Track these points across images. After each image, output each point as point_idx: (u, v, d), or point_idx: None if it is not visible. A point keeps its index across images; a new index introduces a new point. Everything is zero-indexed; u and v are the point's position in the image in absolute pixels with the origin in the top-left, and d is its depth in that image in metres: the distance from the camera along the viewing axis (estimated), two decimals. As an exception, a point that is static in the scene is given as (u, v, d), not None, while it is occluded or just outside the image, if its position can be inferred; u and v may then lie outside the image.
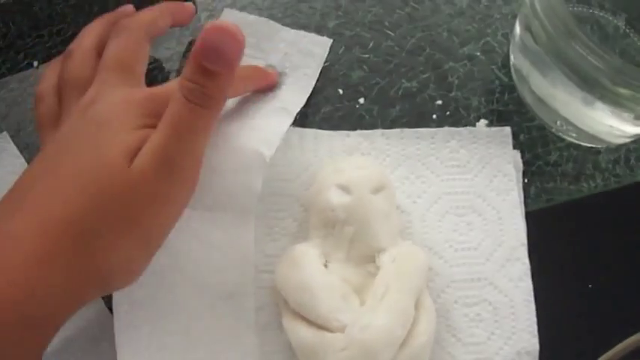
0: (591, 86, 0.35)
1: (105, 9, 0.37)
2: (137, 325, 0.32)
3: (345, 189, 0.34)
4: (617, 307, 0.38)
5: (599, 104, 0.36)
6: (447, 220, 0.37)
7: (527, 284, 0.36)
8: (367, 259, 0.34)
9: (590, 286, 0.38)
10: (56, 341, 0.36)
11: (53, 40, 0.42)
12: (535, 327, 0.36)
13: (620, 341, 0.37)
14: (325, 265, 0.34)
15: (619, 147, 0.41)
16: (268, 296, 0.35)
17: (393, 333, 0.31)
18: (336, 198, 0.34)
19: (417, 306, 0.33)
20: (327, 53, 0.40)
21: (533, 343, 0.36)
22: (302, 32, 0.41)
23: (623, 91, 0.34)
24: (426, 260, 0.34)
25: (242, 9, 0.42)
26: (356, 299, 0.33)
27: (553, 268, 0.38)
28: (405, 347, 0.32)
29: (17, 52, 0.42)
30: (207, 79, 0.27)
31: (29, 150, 0.39)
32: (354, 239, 0.34)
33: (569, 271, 0.38)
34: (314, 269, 0.33)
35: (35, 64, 0.42)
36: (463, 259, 0.36)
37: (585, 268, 0.38)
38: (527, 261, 0.37)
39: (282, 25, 0.41)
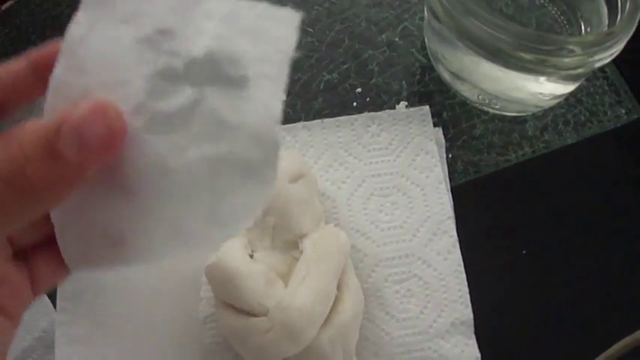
0: (496, 56, 0.36)
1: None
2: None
3: (263, 181, 0.35)
4: (551, 270, 0.38)
5: (509, 72, 0.36)
6: (372, 202, 0.38)
7: (456, 256, 0.37)
8: (292, 245, 0.35)
9: (524, 252, 0.38)
10: (16, 353, 0.39)
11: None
12: (467, 297, 0.37)
13: (557, 304, 0.38)
14: (251, 255, 0.35)
15: (545, 113, 0.41)
16: (207, 290, 0.37)
17: (313, 311, 0.32)
18: (255, 190, 0.35)
19: (341, 285, 0.34)
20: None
21: (466, 312, 0.36)
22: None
23: (527, 56, 0.35)
24: (346, 240, 0.35)
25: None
26: (281, 284, 0.34)
27: (486, 238, 0.38)
28: (329, 324, 0.33)
29: None
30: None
31: None
32: (276, 228, 0.35)
33: (503, 239, 0.38)
34: (237, 259, 0.34)
35: None
36: (390, 237, 0.37)
37: (519, 235, 0.38)
38: (454, 233, 0.37)
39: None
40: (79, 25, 0.19)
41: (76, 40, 0.19)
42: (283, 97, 0.19)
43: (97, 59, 0.18)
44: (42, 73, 0.20)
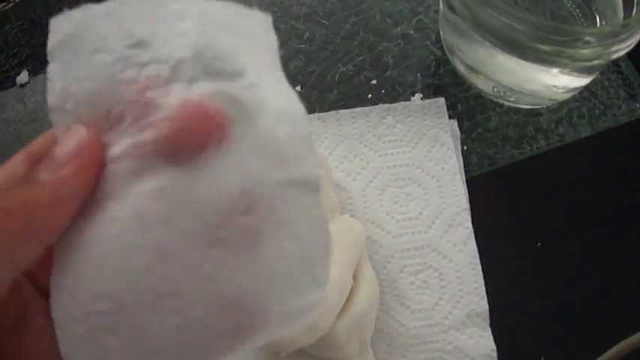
0: (512, 47, 0.36)
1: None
2: None
3: (279, 171, 0.35)
4: (567, 263, 0.38)
5: (525, 63, 0.36)
6: (387, 194, 0.38)
7: (472, 247, 0.37)
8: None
9: (539, 244, 0.38)
10: None
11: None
12: (483, 288, 0.37)
13: (572, 296, 0.38)
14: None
15: (560, 106, 0.41)
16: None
17: (329, 301, 0.32)
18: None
19: (357, 276, 0.34)
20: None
21: (482, 304, 0.36)
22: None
23: (543, 47, 0.35)
24: (361, 231, 0.35)
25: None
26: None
27: (501, 230, 0.38)
28: (345, 315, 0.33)
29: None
30: None
31: None
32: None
33: (518, 232, 0.38)
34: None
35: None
36: (405, 229, 0.37)
37: (533, 227, 0.38)
38: (469, 225, 0.37)
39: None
40: (53, 80, 0.18)
41: (58, 98, 0.17)
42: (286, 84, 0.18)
43: (81, 101, 0.17)
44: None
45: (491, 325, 0.36)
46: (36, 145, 0.20)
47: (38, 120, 0.44)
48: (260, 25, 0.19)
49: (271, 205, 0.17)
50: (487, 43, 0.36)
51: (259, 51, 0.18)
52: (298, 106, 0.18)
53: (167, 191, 0.16)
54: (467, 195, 0.38)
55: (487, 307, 0.36)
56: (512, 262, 0.38)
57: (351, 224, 0.35)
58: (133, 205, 0.16)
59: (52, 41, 0.18)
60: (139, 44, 0.17)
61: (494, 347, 0.36)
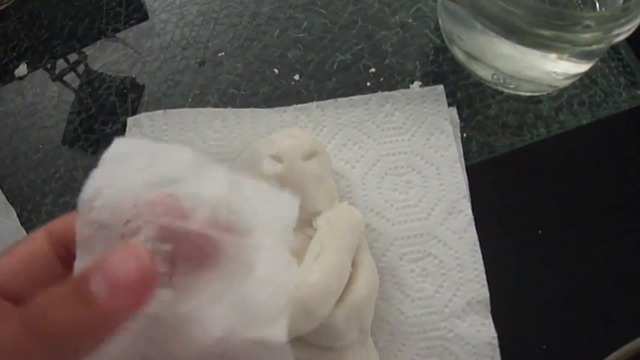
0: (511, 33, 0.35)
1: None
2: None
3: (276, 158, 0.35)
4: (568, 251, 0.37)
5: (524, 49, 0.36)
6: (386, 181, 0.38)
7: (472, 235, 0.37)
8: (305, 223, 0.35)
9: (540, 231, 0.38)
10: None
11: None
12: (484, 276, 0.36)
13: (573, 284, 0.37)
14: (265, 234, 0.35)
15: (560, 94, 0.41)
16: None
17: (327, 288, 0.32)
18: (269, 167, 0.35)
19: (356, 263, 0.34)
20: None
21: (482, 292, 0.36)
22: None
23: (542, 32, 0.34)
24: (360, 218, 0.35)
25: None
26: (295, 262, 0.34)
27: (501, 218, 0.38)
28: (343, 302, 0.33)
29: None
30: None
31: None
32: (291, 206, 0.35)
33: (519, 219, 0.38)
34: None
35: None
36: (405, 216, 0.37)
37: (534, 215, 0.38)
38: (469, 212, 0.37)
39: (216, 14, 0.43)
40: (93, 180, 0.19)
41: (91, 195, 0.19)
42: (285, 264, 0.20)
43: (112, 209, 0.19)
44: (62, 251, 0.20)
45: (492, 313, 0.36)
46: (57, 224, 0.20)
47: (36, 113, 0.44)
48: (286, 206, 0.22)
49: (238, 358, 0.19)
50: (486, 30, 0.36)
51: (274, 223, 0.21)
52: (285, 274, 0.20)
53: (161, 318, 0.18)
54: (467, 182, 0.38)
55: (488, 294, 0.36)
56: (512, 250, 0.37)
57: (350, 211, 0.35)
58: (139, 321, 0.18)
59: (107, 153, 0.20)
60: (172, 181, 0.20)
61: (496, 335, 0.36)
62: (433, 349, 0.36)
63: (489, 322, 0.36)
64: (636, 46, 0.42)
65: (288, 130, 0.37)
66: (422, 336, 0.36)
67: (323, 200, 0.35)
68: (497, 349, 0.36)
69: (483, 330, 0.36)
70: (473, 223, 0.37)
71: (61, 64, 0.45)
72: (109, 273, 0.17)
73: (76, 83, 0.44)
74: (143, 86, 0.42)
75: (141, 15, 0.45)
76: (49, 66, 0.45)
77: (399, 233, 0.37)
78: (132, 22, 0.45)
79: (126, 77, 0.43)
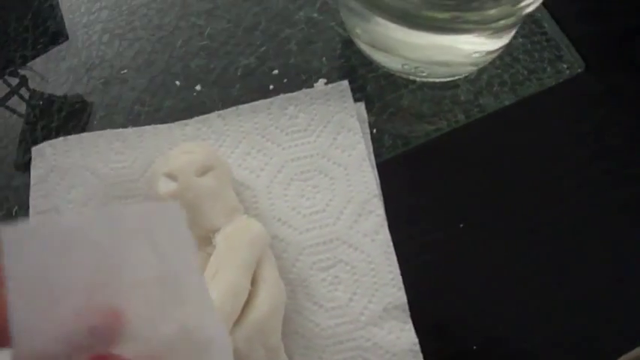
0: (408, 20, 0.33)
1: None
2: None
3: (171, 177, 0.34)
4: (494, 243, 0.35)
5: (427, 35, 0.34)
6: (292, 188, 0.36)
7: (384, 236, 0.35)
8: (205, 241, 0.34)
9: (461, 225, 0.35)
10: None
11: None
12: (399, 279, 0.34)
13: (501, 278, 0.35)
14: (165, 255, 0.34)
15: (479, 76, 0.39)
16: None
17: (222, 310, 0.30)
18: (164, 187, 0.33)
19: (256, 279, 0.32)
20: None
21: (399, 296, 0.34)
22: None
23: (439, 15, 0.32)
24: (261, 231, 0.33)
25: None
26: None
27: (418, 215, 0.36)
28: (243, 323, 0.31)
29: None
30: None
31: None
32: (189, 224, 0.33)
33: (438, 214, 0.36)
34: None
35: None
36: (313, 223, 0.35)
37: (455, 208, 0.36)
38: (381, 212, 0.35)
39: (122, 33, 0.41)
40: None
41: None
42: None
43: None
44: None
45: (413, 318, 0.34)
46: None
47: None
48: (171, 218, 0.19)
49: None
50: (383, 21, 0.34)
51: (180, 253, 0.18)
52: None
53: None
54: (378, 181, 0.36)
55: (405, 298, 0.34)
56: (433, 248, 0.35)
57: (249, 225, 0.33)
58: None
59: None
60: None
61: (417, 341, 0.34)
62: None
63: (409, 327, 0.34)
64: (560, 20, 0.40)
65: (184, 146, 0.35)
66: (338, 347, 0.34)
67: (221, 216, 0.33)
68: (420, 355, 0.34)
69: (403, 336, 0.34)
70: (385, 223, 0.35)
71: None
72: None
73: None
74: (52, 112, 0.41)
75: (48, 39, 0.44)
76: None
77: (308, 241, 0.35)
78: (39, 47, 0.44)
79: (35, 105, 0.42)
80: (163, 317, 0.18)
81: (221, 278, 0.31)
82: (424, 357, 0.33)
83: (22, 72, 0.44)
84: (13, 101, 0.43)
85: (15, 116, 0.42)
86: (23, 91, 0.43)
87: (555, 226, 0.35)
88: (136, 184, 0.37)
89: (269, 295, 0.32)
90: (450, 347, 0.34)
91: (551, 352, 0.33)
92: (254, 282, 0.32)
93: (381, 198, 0.35)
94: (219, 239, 0.33)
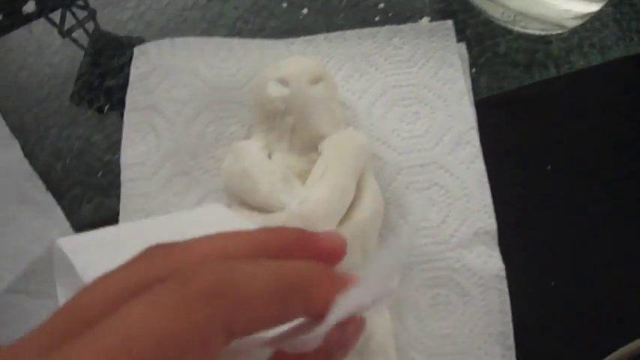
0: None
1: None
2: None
3: (282, 82, 0.34)
4: (578, 187, 0.37)
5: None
6: (393, 112, 0.37)
7: (479, 166, 0.36)
8: (310, 147, 0.34)
9: (549, 167, 0.37)
10: (24, 266, 0.38)
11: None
12: (491, 207, 0.35)
13: (583, 219, 0.36)
14: (269, 157, 0.34)
15: (571, 35, 0.41)
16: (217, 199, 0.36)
17: (331, 206, 0.31)
18: (275, 90, 0.34)
19: (361, 186, 0.33)
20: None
21: (490, 222, 0.35)
22: None
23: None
24: (365, 142, 0.34)
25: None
26: (298, 183, 0.33)
27: (510, 152, 0.37)
28: (348, 221, 0.32)
29: None
30: None
31: None
32: (295, 129, 0.34)
33: (528, 154, 0.37)
34: (254, 157, 0.33)
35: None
36: (411, 146, 0.36)
37: (544, 150, 0.37)
38: (477, 144, 0.36)
39: None
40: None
41: None
42: None
43: None
44: None
45: (500, 247, 0.35)
46: None
47: (44, 49, 0.44)
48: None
49: None
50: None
51: None
52: None
53: None
54: (475, 116, 0.37)
55: (495, 225, 0.35)
56: (521, 184, 0.37)
57: (355, 135, 0.34)
58: None
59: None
60: None
61: (503, 267, 0.35)
62: (438, 279, 0.35)
63: (497, 254, 0.35)
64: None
65: (293, 58, 0.36)
66: (427, 266, 0.35)
67: (328, 125, 0.34)
68: (505, 282, 0.35)
69: (490, 262, 0.35)
70: (481, 154, 0.36)
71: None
72: None
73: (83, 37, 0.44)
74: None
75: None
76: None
77: (406, 163, 0.36)
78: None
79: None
80: None
81: (330, 178, 0.32)
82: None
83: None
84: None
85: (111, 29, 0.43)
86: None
87: (631, 177, 0.37)
88: (238, 92, 0.38)
89: (372, 201, 0.33)
90: (531, 280, 0.35)
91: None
92: (358, 188, 0.33)
93: (477, 131, 0.37)
94: (326, 145, 0.34)
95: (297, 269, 0.17)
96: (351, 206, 0.32)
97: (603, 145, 0.38)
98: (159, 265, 0.16)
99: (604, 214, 0.36)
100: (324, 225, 0.31)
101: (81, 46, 0.44)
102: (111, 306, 0.15)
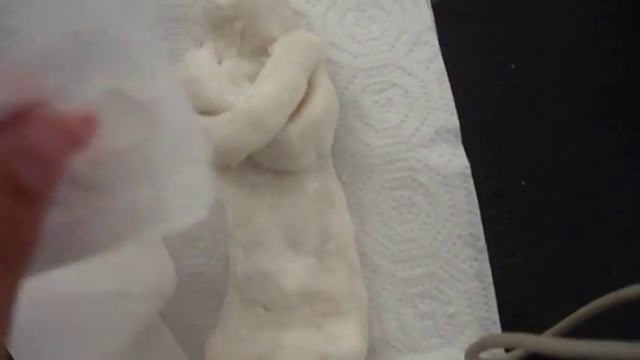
0: None
1: None
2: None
3: (230, -14, 0.33)
4: (542, 85, 0.35)
5: None
6: (348, 18, 0.36)
7: (439, 65, 0.35)
8: (261, 51, 0.33)
9: (512, 66, 0.35)
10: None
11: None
12: (452, 105, 0.34)
13: (550, 119, 0.35)
14: (219, 64, 0.33)
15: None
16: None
17: (278, 100, 0.30)
18: (222, -3, 0.33)
19: (312, 83, 0.32)
20: None
21: (452, 120, 0.34)
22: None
23: None
24: (316, 41, 0.33)
25: None
26: (248, 84, 0.32)
27: (471, 52, 0.36)
28: (298, 118, 0.31)
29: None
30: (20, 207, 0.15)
31: None
32: (245, 33, 0.33)
33: (490, 53, 0.36)
34: (202, 63, 0.32)
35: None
36: (368, 48, 0.35)
37: (507, 50, 0.36)
38: (436, 44, 0.35)
39: None
40: None
41: None
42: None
43: None
44: None
45: (465, 145, 0.34)
46: None
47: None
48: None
49: None
50: None
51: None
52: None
53: None
54: (432, 17, 0.36)
55: (458, 123, 0.34)
56: (485, 83, 0.35)
57: (305, 35, 0.33)
58: None
59: None
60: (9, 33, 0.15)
61: (468, 165, 0.33)
62: (400, 180, 0.34)
63: (460, 152, 0.34)
64: None
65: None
66: (388, 167, 0.34)
67: (279, 28, 0.33)
68: (471, 181, 0.33)
69: (454, 160, 0.33)
70: (439, 54, 0.35)
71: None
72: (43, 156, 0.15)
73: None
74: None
75: None
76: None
77: (362, 65, 0.35)
78: None
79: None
80: (88, 76, 0.16)
81: (278, 74, 0.31)
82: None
83: None
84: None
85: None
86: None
87: (598, 74, 0.35)
88: (191, 9, 0.37)
89: (324, 97, 0.32)
90: (499, 176, 0.34)
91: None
92: (310, 85, 0.32)
93: (436, 32, 0.35)
94: (276, 46, 0.33)
95: None
96: (302, 102, 0.31)
97: (569, 44, 0.36)
98: None
99: (570, 111, 0.35)
100: (271, 120, 0.30)
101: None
102: None
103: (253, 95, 0.30)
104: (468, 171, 0.33)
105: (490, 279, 0.33)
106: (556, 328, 0.28)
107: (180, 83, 0.18)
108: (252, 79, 0.33)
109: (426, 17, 0.36)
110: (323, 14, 0.36)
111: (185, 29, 0.37)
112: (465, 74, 0.35)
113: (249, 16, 0.33)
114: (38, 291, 0.17)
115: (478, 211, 0.33)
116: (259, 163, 0.32)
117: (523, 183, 0.34)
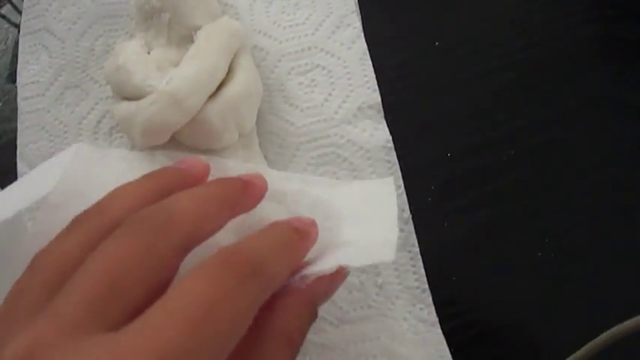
0: None
1: None
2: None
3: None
4: (464, 61, 0.36)
5: None
6: (274, 5, 0.38)
7: (361, 45, 0.36)
8: (187, 39, 0.35)
9: (437, 43, 0.36)
10: None
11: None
12: (374, 82, 0.35)
13: (467, 90, 0.36)
14: (149, 54, 0.35)
15: None
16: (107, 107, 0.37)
17: (197, 80, 0.31)
18: (149, -11, 0.35)
19: (234, 66, 0.33)
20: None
21: (374, 97, 0.35)
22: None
23: None
24: (239, 27, 0.34)
25: None
26: (173, 69, 0.34)
27: (396, 30, 0.37)
28: (217, 97, 0.32)
29: None
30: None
31: None
32: (171, 24, 0.35)
33: (415, 30, 0.37)
34: (130, 52, 0.34)
35: None
36: (292, 33, 0.37)
37: (431, 29, 0.37)
38: (358, 25, 0.36)
39: None
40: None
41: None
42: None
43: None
44: None
45: (391, 120, 0.35)
46: None
47: None
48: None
49: None
50: None
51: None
52: None
53: None
54: (356, 0, 0.37)
55: (379, 99, 0.35)
56: (407, 62, 0.36)
57: (227, 21, 0.34)
58: None
59: None
60: None
61: (390, 138, 0.34)
62: (325, 157, 0.35)
63: (383, 126, 0.34)
64: None
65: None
66: (312, 145, 0.35)
67: (203, 16, 0.35)
68: (394, 153, 0.34)
69: (377, 134, 0.34)
70: (362, 35, 0.36)
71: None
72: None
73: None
74: None
75: None
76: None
77: (287, 49, 0.36)
78: None
79: None
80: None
81: (198, 58, 0.32)
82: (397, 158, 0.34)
83: None
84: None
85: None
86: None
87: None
88: (125, 6, 0.39)
89: (244, 77, 0.33)
90: (422, 150, 0.35)
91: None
92: (231, 69, 0.33)
93: (359, 15, 0.37)
94: (199, 33, 0.34)
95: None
96: (223, 82, 0.32)
97: (495, 18, 0.37)
98: (97, 223, 0.20)
99: (492, 86, 0.36)
100: (190, 99, 0.31)
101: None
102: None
103: (174, 77, 0.31)
104: (390, 144, 0.34)
105: (417, 249, 0.33)
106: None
107: None
108: (176, 66, 0.34)
109: (349, 1, 0.37)
110: (250, 3, 0.38)
111: (121, 25, 0.39)
112: (389, 55, 0.36)
113: (174, 7, 0.34)
114: None
115: (402, 182, 0.34)
116: (184, 143, 0.33)
117: (449, 155, 0.35)
